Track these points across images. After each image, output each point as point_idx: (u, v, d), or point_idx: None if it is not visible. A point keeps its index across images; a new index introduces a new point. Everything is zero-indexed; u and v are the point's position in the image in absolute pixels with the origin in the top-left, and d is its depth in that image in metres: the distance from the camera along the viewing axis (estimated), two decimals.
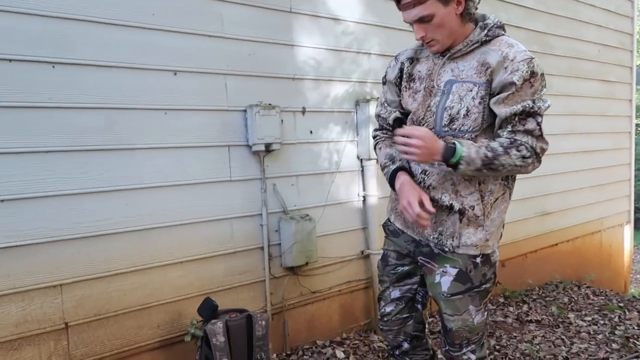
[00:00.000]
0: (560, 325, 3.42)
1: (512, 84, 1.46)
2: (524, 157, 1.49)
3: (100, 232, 2.21)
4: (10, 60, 1.99)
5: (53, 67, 2.08)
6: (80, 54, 2.14)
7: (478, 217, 1.59)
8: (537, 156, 1.52)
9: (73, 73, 2.13)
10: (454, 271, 1.62)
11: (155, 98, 2.34)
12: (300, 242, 2.70)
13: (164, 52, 2.36)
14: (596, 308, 3.84)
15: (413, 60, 1.70)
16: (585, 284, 4.47)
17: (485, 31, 1.54)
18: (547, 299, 3.99)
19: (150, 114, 2.32)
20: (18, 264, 2.03)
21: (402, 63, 1.72)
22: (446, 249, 1.63)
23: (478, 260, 1.61)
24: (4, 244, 1.99)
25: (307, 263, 2.77)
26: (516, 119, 1.49)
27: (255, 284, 2.70)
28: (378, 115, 1.86)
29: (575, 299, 4.06)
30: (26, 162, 2.03)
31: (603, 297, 4.16)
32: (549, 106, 1.52)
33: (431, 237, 1.65)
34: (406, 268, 1.80)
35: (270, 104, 2.63)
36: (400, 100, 1.74)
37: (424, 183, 1.64)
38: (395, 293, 1.82)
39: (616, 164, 5.21)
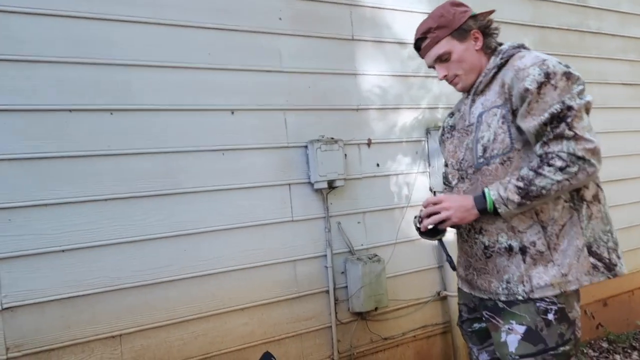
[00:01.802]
0: None
1: (526, 90, 1.34)
2: (561, 168, 1.31)
3: (161, 280, 2.15)
4: (70, 110, 2.00)
5: (111, 114, 2.08)
6: (137, 99, 2.12)
7: (543, 252, 1.38)
8: (582, 160, 1.30)
9: (131, 119, 2.11)
10: (521, 329, 1.39)
11: (213, 139, 2.27)
12: (369, 286, 2.49)
13: (221, 91, 2.29)
14: None
15: (454, 113, 1.69)
16: None
17: (500, 55, 1.49)
18: None
19: (207, 155, 2.26)
20: (79, 315, 2.01)
21: (445, 119, 1.73)
22: (519, 297, 1.40)
23: (550, 316, 1.37)
24: (65, 294, 1.98)
25: (376, 308, 2.55)
26: (548, 129, 1.33)
27: (322, 330, 2.53)
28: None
29: None
30: (86, 210, 2.02)
31: None
32: (588, 102, 1.33)
33: (500, 289, 1.45)
34: (483, 324, 1.60)
35: (332, 138, 2.47)
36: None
37: (475, 228, 1.50)
38: (484, 357, 1.63)
39: None
